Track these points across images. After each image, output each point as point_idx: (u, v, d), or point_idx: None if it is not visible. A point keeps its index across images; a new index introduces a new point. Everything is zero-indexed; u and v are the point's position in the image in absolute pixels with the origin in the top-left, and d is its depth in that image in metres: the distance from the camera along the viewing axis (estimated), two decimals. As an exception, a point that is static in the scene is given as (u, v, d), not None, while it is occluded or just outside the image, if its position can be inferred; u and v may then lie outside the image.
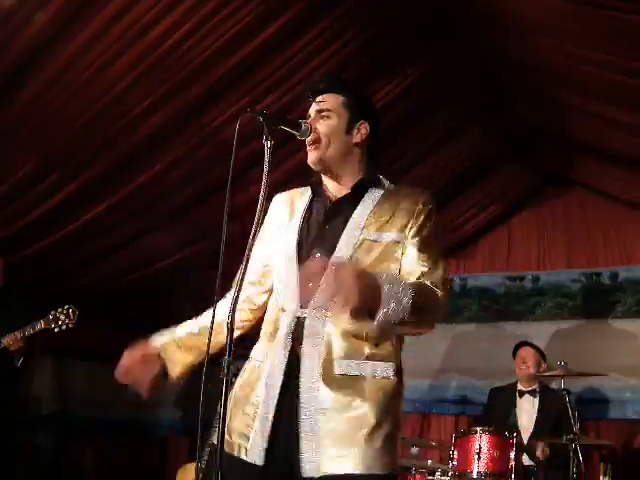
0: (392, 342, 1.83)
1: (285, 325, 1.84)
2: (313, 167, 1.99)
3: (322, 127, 1.94)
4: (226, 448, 1.75)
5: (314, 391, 1.75)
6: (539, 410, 4.69)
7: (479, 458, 3.91)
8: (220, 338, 1.72)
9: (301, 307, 1.83)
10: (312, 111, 1.99)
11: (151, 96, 3.81)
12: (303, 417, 1.74)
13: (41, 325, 3.94)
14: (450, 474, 4.04)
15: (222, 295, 1.90)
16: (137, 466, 6.45)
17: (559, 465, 4.25)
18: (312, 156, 1.95)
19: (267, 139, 1.78)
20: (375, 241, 1.86)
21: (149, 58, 3.57)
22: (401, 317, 1.61)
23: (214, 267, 1.68)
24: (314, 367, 1.77)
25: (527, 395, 4.78)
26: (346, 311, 1.59)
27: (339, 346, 1.78)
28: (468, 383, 5.78)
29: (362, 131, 1.98)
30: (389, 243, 1.86)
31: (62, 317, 3.93)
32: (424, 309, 1.71)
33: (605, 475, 4.29)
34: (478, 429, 4.06)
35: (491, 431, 4.03)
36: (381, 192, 1.97)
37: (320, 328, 1.80)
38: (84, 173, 4.22)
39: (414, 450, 4.36)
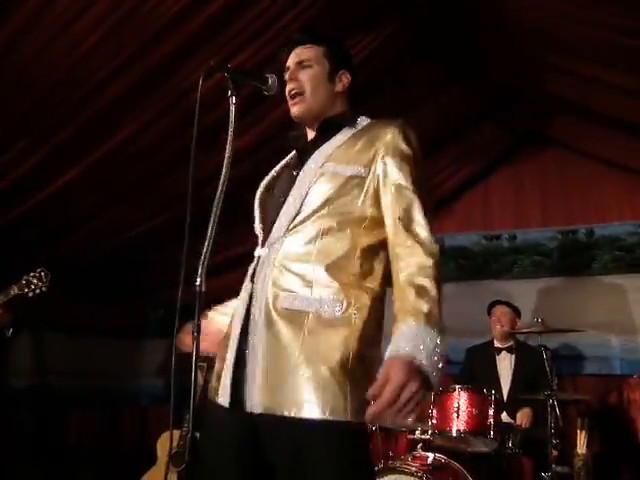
0: (353, 272, 1.71)
1: (251, 267, 1.81)
2: (296, 120, 1.92)
3: (304, 76, 1.88)
4: (209, 394, 1.79)
5: (259, 328, 1.68)
6: (516, 366, 4.75)
7: (458, 416, 3.93)
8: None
9: (262, 246, 1.81)
10: (291, 63, 1.93)
11: (117, 57, 3.66)
12: (252, 356, 1.68)
13: (15, 290, 3.82)
14: (430, 432, 4.07)
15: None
16: (118, 435, 6.46)
17: (537, 421, 4.31)
18: (296, 109, 1.89)
19: (232, 95, 1.70)
20: (336, 173, 1.75)
21: (114, 16, 3.42)
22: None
23: (182, 236, 1.63)
24: (261, 305, 1.70)
25: (504, 352, 4.82)
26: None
27: (285, 279, 1.70)
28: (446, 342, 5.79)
29: (344, 80, 1.94)
30: (350, 177, 1.75)
31: (35, 281, 3.82)
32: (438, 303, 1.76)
33: (582, 429, 4.36)
34: (457, 387, 4.07)
35: (470, 389, 4.05)
36: (356, 129, 1.88)
37: (269, 262, 1.74)
38: (50, 140, 4.07)
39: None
